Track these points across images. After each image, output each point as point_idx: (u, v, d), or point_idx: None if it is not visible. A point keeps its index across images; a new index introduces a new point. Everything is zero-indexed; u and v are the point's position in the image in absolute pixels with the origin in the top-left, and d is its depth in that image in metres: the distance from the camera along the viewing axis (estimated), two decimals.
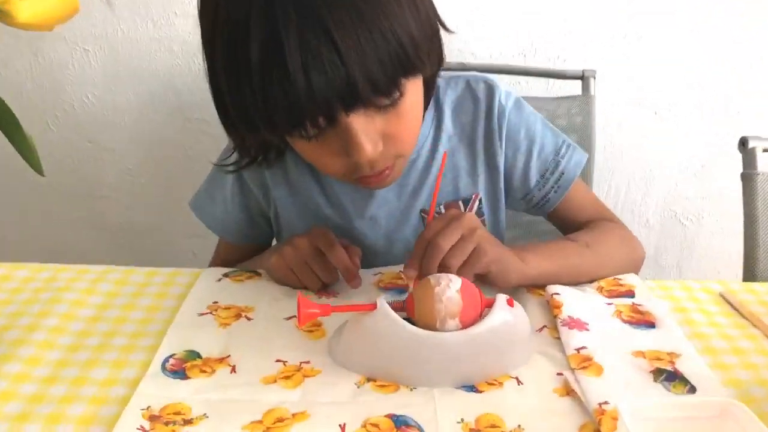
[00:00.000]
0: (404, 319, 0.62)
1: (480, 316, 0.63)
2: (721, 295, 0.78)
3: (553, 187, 0.88)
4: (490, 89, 0.87)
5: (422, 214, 0.88)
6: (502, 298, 0.64)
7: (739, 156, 0.96)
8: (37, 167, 0.59)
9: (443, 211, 0.88)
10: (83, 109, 1.47)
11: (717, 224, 1.57)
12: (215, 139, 1.34)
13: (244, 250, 0.96)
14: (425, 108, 0.82)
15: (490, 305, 0.64)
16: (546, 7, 1.36)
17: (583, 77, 1.24)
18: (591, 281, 0.80)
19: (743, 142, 0.96)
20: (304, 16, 0.60)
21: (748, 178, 0.95)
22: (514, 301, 0.65)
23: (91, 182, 1.53)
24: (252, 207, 0.93)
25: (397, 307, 0.63)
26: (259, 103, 0.64)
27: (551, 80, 1.36)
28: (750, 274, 0.93)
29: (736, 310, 0.75)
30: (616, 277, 0.80)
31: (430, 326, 0.62)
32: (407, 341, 0.61)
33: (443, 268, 0.66)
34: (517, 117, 0.87)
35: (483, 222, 0.90)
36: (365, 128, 0.67)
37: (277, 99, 0.63)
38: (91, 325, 0.70)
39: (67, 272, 0.79)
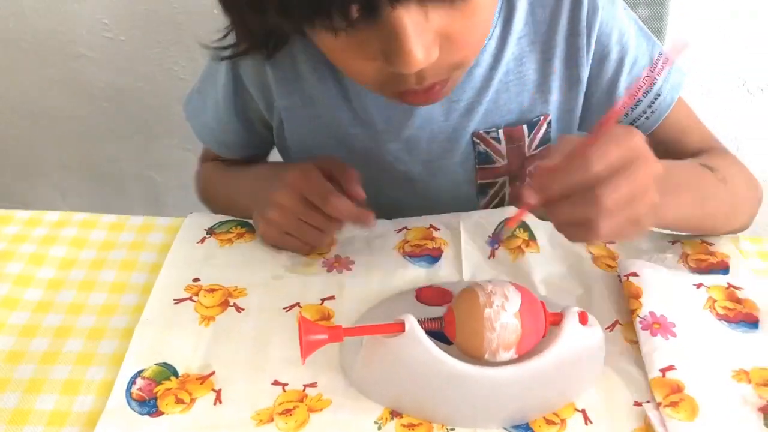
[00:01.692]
0: (441, 339, 0.47)
1: (543, 336, 0.48)
2: None
3: (645, 112, 0.68)
4: None
5: (474, 138, 0.68)
6: (572, 314, 0.48)
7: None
8: None
9: (501, 137, 0.68)
10: None
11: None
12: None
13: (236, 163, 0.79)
14: None
15: (556, 322, 0.48)
16: None
17: None
18: (720, 233, 0.65)
19: None
20: None
21: None
22: (589, 315, 0.49)
23: (61, 38, 1.31)
24: (250, 113, 0.73)
25: (431, 327, 0.47)
26: None
27: None
28: None
29: None
30: (703, 240, 0.63)
31: (476, 356, 0.46)
32: (444, 374, 0.46)
33: (589, 228, 0.47)
34: (610, 15, 0.65)
35: (549, 150, 0.66)
36: (418, 26, 0.46)
37: None
38: (39, 315, 0.55)
39: (14, 224, 0.62)
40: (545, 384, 0.48)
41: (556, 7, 0.65)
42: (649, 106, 0.68)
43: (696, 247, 0.63)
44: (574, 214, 0.47)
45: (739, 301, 0.57)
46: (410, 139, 0.69)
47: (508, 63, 0.66)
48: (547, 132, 0.69)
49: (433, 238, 0.63)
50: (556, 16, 0.65)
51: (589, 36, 0.65)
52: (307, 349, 0.46)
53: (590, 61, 0.66)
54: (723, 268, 0.61)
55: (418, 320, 0.47)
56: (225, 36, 0.63)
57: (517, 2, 0.65)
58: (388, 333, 0.47)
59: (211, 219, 0.66)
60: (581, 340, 0.48)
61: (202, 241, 0.63)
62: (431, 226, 0.64)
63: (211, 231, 0.64)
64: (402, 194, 0.71)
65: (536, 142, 0.69)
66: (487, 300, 0.46)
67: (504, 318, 0.45)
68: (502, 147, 0.69)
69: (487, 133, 0.68)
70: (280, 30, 0.60)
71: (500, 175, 0.71)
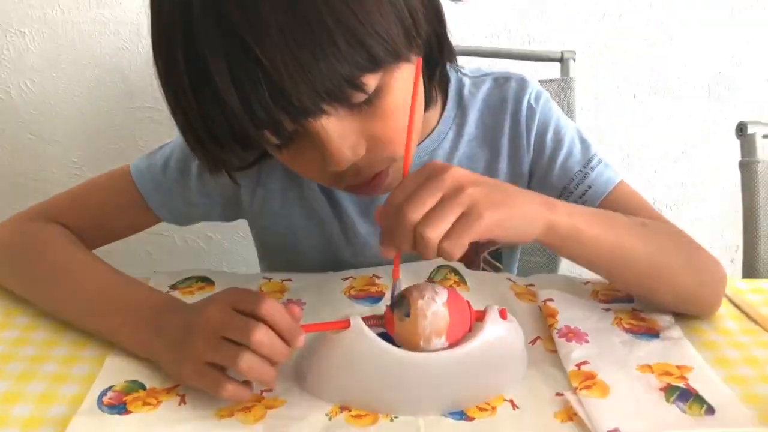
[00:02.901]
0: (382, 336, 0.54)
1: (469, 331, 0.55)
2: (726, 297, 0.71)
3: (576, 202, 0.73)
4: (520, 88, 0.77)
5: None
6: (494, 311, 0.56)
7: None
8: None
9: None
10: (21, 97, 1.34)
11: (697, 211, 1.52)
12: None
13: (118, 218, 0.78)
14: (443, 101, 0.74)
15: (480, 318, 0.55)
16: None
17: (562, 59, 1.16)
18: (637, 275, 0.64)
19: (741, 128, 0.89)
20: (228, 34, 0.51)
21: (747, 166, 0.87)
22: (508, 313, 0.57)
23: (32, 178, 1.40)
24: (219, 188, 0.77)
25: (373, 324, 0.55)
26: (200, 122, 0.55)
27: (528, 63, 1.28)
28: (750, 269, 0.87)
29: (745, 313, 0.69)
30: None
31: (412, 345, 0.53)
32: (387, 363, 0.53)
33: (420, 241, 0.51)
34: (546, 120, 0.76)
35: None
36: (339, 131, 0.56)
37: (215, 118, 0.54)
38: (15, 348, 0.60)
39: None
40: (476, 373, 0.55)
41: (501, 114, 0.76)
42: (581, 197, 0.74)
43: (604, 284, 0.72)
44: (404, 239, 0.52)
45: (642, 319, 0.66)
46: (376, 222, 0.76)
47: (461, 161, 0.76)
48: None
49: (375, 284, 0.71)
50: (501, 121, 0.77)
51: (528, 136, 0.76)
52: None
53: (530, 156, 0.77)
54: (628, 299, 0.70)
55: (361, 317, 0.54)
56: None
57: (469, 109, 0.76)
58: (336, 329, 0.54)
59: (173, 277, 0.73)
60: (503, 331, 0.56)
61: (167, 290, 0.70)
62: (374, 275, 0.72)
63: (173, 286, 0.71)
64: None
65: None
66: (419, 294, 0.54)
67: (434, 307, 0.53)
68: None
69: None
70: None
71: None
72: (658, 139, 1.44)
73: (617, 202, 0.72)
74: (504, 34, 1.32)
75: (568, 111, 1.13)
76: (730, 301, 0.70)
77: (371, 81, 0.55)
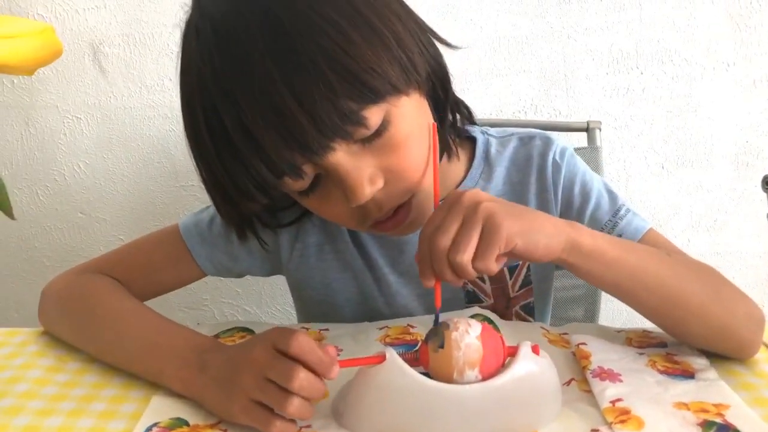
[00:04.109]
0: (417, 371, 0.55)
1: (502, 366, 0.56)
2: (764, 343, 0.71)
3: None
4: (546, 145, 0.80)
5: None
6: (527, 346, 0.57)
7: (752, 209, 0.90)
8: (6, 210, 0.54)
9: (487, 279, 0.79)
10: (74, 178, 1.42)
11: (735, 281, 1.50)
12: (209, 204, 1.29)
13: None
14: (470, 159, 0.80)
15: (513, 354, 0.57)
16: (545, 64, 1.35)
17: (588, 129, 1.20)
18: (663, 301, 0.64)
19: (767, 182, 0.91)
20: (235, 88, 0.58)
21: None
22: (541, 349, 0.58)
23: (81, 254, 1.47)
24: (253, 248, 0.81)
25: (408, 359, 0.56)
26: (226, 178, 0.61)
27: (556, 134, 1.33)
28: None
29: None
30: (644, 329, 0.73)
31: (446, 377, 0.55)
32: (421, 396, 0.54)
33: (457, 268, 0.55)
34: (573, 174, 0.79)
35: (530, 291, 0.81)
36: (354, 166, 0.61)
37: (237, 171, 0.60)
38: (67, 389, 0.63)
39: (43, 336, 0.72)
40: (509, 407, 0.56)
41: (527, 170, 0.80)
42: None
43: (638, 334, 0.73)
44: (442, 266, 0.55)
45: (676, 362, 0.67)
46: (406, 271, 0.80)
47: None
48: (527, 275, 0.81)
49: (410, 333, 0.73)
50: (527, 178, 0.80)
51: (555, 191, 0.79)
52: None
53: (558, 211, 0.79)
54: (662, 344, 0.70)
55: (398, 353, 0.56)
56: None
57: (495, 167, 0.80)
58: (371, 363, 0.56)
59: (217, 328, 0.75)
60: (536, 366, 0.57)
61: None
62: (408, 324, 0.74)
63: (217, 336, 0.74)
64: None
65: (518, 284, 0.81)
66: (454, 326, 0.56)
67: (467, 339, 0.55)
68: (487, 287, 0.80)
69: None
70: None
71: None
72: (689, 208, 1.46)
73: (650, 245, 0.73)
74: (531, 109, 1.38)
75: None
76: (767, 347, 0.70)
77: (373, 115, 0.60)
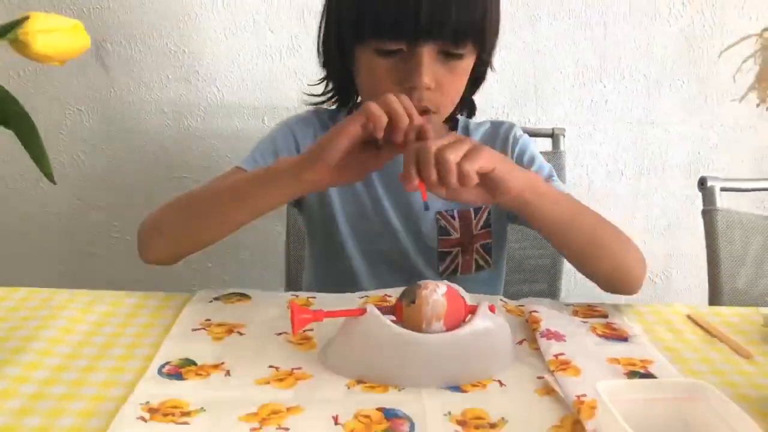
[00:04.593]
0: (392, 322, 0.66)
1: (464, 321, 0.67)
2: (689, 317, 0.83)
3: None
4: (510, 127, 1.05)
5: (438, 215, 0.98)
6: (485, 305, 0.68)
7: (698, 216, 1.03)
8: (48, 173, 0.63)
9: (456, 217, 0.99)
10: (73, 167, 1.51)
11: (684, 281, 1.64)
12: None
13: None
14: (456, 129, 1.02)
15: (473, 311, 0.68)
16: (516, 75, 1.47)
17: (553, 135, 1.32)
18: (587, 241, 0.83)
19: (702, 182, 1.03)
20: None
21: (708, 213, 1.01)
22: (496, 309, 0.69)
23: (77, 239, 1.55)
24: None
25: (385, 311, 0.67)
26: (381, 8, 0.83)
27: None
28: (714, 298, 0.98)
29: (704, 329, 0.80)
30: (589, 304, 0.85)
31: (416, 328, 0.65)
32: (395, 342, 0.65)
33: (444, 164, 0.69)
34: (525, 147, 1.03)
35: (489, 233, 1.00)
36: (430, 62, 0.84)
37: (394, 5, 0.82)
38: (88, 338, 0.72)
39: (64, 294, 0.81)
40: (468, 355, 0.66)
41: (493, 144, 1.03)
42: None
43: (583, 307, 0.84)
44: (428, 163, 0.69)
45: (614, 329, 0.78)
46: (399, 198, 0.98)
47: None
48: (488, 218, 1.00)
49: (387, 301, 0.83)
50: (495, 145, 1.02)
51: (512, 154, 1.02)
52: (297, 324, 0.66)
53: None
54: (603, 316, 0.82)
55: (376, 306, 0.67)
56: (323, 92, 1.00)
57: (472, 137, 1.01)
58: (354, 315, 0.66)
59: (216, 293, 0.85)
60: (492, 323, 0.67)
61: (211, 302, 0.82)
62: (385, 295, 0.84)
63: (216, 298, 0.83)
64: (386, 247, 0.98)
65: (480, 223, 1.00)
66: (424, 286, 0.66)
67: (435, 296, 0.65)
68: (456, 224, 0.98)
69: (447, 212, 0.97)
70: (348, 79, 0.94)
71: (455, 246, 0.98)
72: (645, 213, 1.58)
73: None
74: (503, 115, 1.49)
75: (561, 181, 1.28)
76: (692, 320, 0.82)
77: (467, 49, 0.85)
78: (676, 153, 1.55)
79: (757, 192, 1.16)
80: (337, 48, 0.92)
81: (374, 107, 0.73)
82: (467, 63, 0.88)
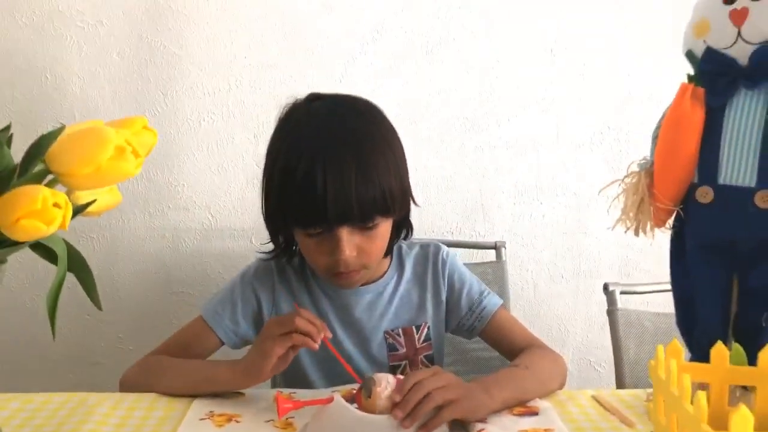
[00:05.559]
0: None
1: None
2: (593, 397, 1.05)
3: (477, 317, 1.20)
4: (437, 249, 1.24)
5: (385, 334, 1.19)
6: None
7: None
8: (97, 303, 0.85)
9: (401, 334, 1.19)
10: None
11: None
12: (196, 309, 1.60)
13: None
14: (390, 248, 1.17)
15: None
16: (465, 196, 1.74)
17: (496, 247, 1.57)
18: (540, 397, 1.03)
19: (606, 287, 1.28)
20: (332, 163, 1.01)
21: (611, 313, 1.26)
22: None
23: (88, 348, 1.75)
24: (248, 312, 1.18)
25: (347, 398, 0.89)
26: (297, 208, 1.04)
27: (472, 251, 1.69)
28: (620, 384, 1.20)
29: (602, 405, 1.02)
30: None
31: (371, 412, 0.87)
32: (355, 422, 0.86)
33: (428, 402, 0.87)
34: (454, 267, 1.23)
35: (429, 345, 1.20)
36: (348, 238, 1.04)
37: (307, 206, 1.02)
38: (119, 429, 0.93)
39: (92, 397, 1.02)
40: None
41: (425, 267, 1.22)
42: (480, 315, 1.19)
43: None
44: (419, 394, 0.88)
45: (528, 407, 1.00)
46: (352, 323, 1.18)
47: (402, 295, 1.20)
48: (428, 333, 1.20)
49: (352, 393, 1.04)
50: (426, 269, 1.22)
51: (443, 276, 1.21)
52: (282, 411, 0.87)
53: (446, 290, 1.21)
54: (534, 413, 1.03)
55: (342, 396, 0.88)
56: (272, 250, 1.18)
57: (405, 265, 1.22)
58: (325, 403, 0.88)
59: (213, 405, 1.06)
60: None
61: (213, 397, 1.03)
62: (352, 388, 1.05)
63: (217, 395, 1.04)
64: (342, 369, 1.11)
65: (422, 338, 1.20)
66: (378, 383, 0.88)
67: (385, 393, 0.87)
68: (402, 340, 1.19)
69: (393, 330, 1.18)
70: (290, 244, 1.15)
71: (402, 359, 1.19)
72: (585, 310, 1.82)
73: (503, 317, 1.20)
74: (456, 230, 1.75)
75: (502, 287, 1.52)
76: (596, 400, 1.04)
77: (381, 220, 1.06)
78: (608, 258, 1.80)
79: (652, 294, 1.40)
80: (274, 223, 1.13)
81: (297, 338, 0.94)
82: (383, 228, 1.07)
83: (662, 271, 1.72)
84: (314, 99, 1.13)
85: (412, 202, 1.15)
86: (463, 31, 1.70)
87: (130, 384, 1.10)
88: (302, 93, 1.16)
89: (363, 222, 1.04)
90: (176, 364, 1.09)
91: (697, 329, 0.89)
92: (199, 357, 1.15)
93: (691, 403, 0.59)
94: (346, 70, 1.67)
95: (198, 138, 1.69)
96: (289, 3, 1.65)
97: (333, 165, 1.01)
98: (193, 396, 1.02)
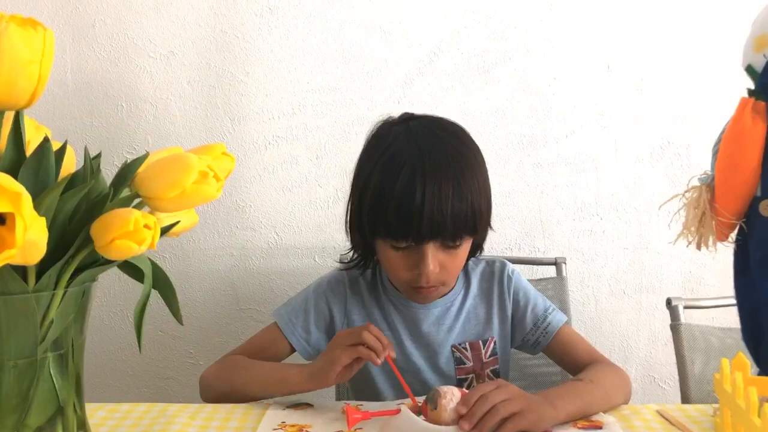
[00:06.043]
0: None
1: None
2: (658, 412, 1.05)
3: (542, 333, 1.22)
4: (503, 266, 1.27)
5: (453, 348, 1.22)
6: None
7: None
8: (178, 317, 0.91)
9: (468, 348, 1.22)
10: (157, 304, 1.80)
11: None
12: (263, 323, 1.65)
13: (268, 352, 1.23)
14: (467, 262, 1.21)
15: None
16: (524, 212, 1.75)
17: (556, 263, 1.58)
18: (604, 411, 1.03)
19: (669, 302, 1.27)
20: (432, 178, 1.05)
21: (675, 327, 1.25)
22: None
23: (159, 365, 1.83)
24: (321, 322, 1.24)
25: (414, 411, 0.92)
26: (391, 219, 1.07)
27: (532, 267, 1.70)
28: (685, 399, 1.20)
29: (667, 420, 1.02)
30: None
31: (437, 424, 0.90)
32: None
33: (493, 415, 0.89)
34: (519, 284, 1.26)
35: (496, 360, 1.23)
36: (434, 254, 1.08)
37: (402, 218, 1.05)
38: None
39: (173, 407, 1.07)
40: None
41: (491, 283, 1.26)
42: (544, 330, 1.21)
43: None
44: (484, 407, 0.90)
45: (592, 421, 1.01)
46: (416, 338, 1.21)
47: (468, 310, 1.23)
48: (494, 348, 1.22)
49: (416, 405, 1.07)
50: (492, 285, 1.26)
51: (509, 293, 1.25)
52: (351, 421, 0.91)
53: (511, 306, 1.24)
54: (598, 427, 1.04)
55: (408, 407, 0.92)
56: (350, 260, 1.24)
57: (471, 280, 1.25)
58: (392, 414, 0.91)
59: (288, 402, 1.11)
60: None
61: (284, 408, 1.07)
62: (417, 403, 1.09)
63: (288, 406, 1.09)
64: (411, 379, 1.18)
65: (489, 352, 1.23)
66: (443, 395, 0.91)
67: (450, 405, 0.90)
68: (469, 354, 1.22)
69: (460, 344, 1.22)
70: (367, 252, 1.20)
71: (469, 373, 1.22)
72: (648, 325, 1.80)
73: (567, 334, 1.22)
74: (516, 247, 1.77)
75: (563, 303, 1.53)
76: (661, 415, 1.04)
77: (466, 239, 1.10)
78: (671, 273, 1.79)
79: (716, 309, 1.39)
80: (359, 235, 1.16)
81: (363, 351, 1.00)
82: (465, 247, 1.12)
83: (727, 286, 1.71)
84: (410, 118, 1.17)
85: (489, 226, 1.17)
86: (519, 50, 1.73)
87: (210, 379, 1.17)
88: (363, 115, 1.21)
89: (453, 240, 1.08)
90: (252, 365, 1.16)
91: (764, 343, 0.89)
92: (272, 360, 1.21)
93: (758, 416, 0.60)
94: (404, 92, 1.72)
95: (264, 160, 1.75)
96: (348, 29, 1.71)
97: (432, 180, 1.05)
98: (264, 396, 1.10)
